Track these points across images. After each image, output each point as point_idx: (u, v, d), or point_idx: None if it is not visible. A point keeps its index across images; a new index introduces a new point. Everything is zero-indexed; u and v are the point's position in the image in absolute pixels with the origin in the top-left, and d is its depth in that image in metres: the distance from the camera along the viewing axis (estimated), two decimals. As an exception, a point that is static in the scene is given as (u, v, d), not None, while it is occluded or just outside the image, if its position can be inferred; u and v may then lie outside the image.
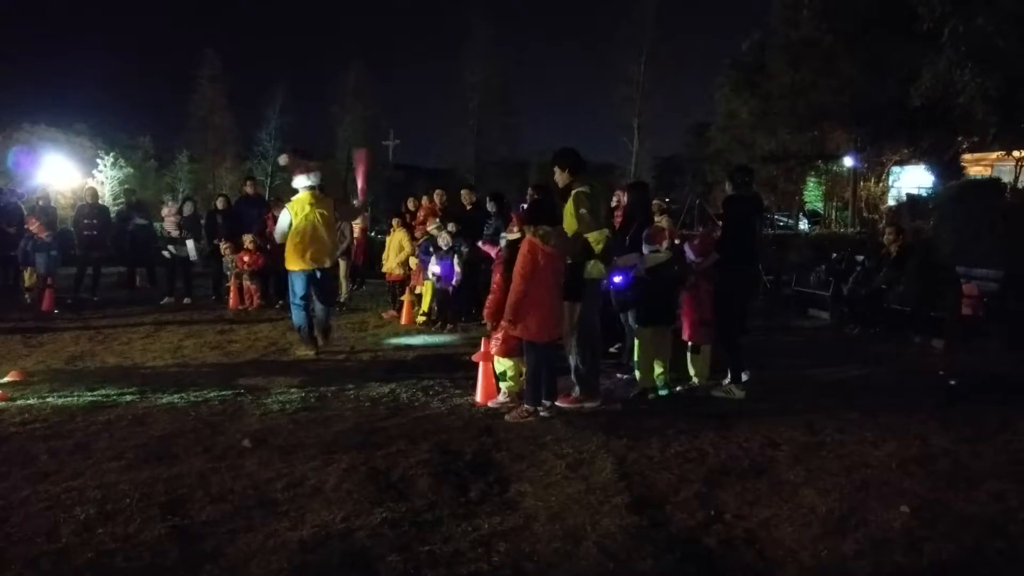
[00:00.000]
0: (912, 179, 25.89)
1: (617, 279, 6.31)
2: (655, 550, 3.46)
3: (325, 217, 8.21)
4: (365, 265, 14.58)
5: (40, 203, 13.31)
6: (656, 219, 7.25)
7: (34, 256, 12.31)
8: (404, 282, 11.18)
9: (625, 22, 39.73)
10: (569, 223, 6.16)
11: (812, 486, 4.27)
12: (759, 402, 6.14)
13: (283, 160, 9.28)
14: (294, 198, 8.35)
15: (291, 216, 8.11)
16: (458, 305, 10.22)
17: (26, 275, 12.83)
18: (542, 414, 5.60)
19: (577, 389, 5.97)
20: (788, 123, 25.93)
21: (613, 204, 7.97)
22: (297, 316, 8.26)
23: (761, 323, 10.27)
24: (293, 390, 6.39)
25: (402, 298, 11.00)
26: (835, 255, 13.03)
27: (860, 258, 11.81)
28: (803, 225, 31.28)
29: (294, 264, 8.13)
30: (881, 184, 26.87)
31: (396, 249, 11.30)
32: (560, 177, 6.12)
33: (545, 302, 5.56)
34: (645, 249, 6.37)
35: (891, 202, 25.08)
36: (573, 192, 6.00)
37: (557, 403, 5.87)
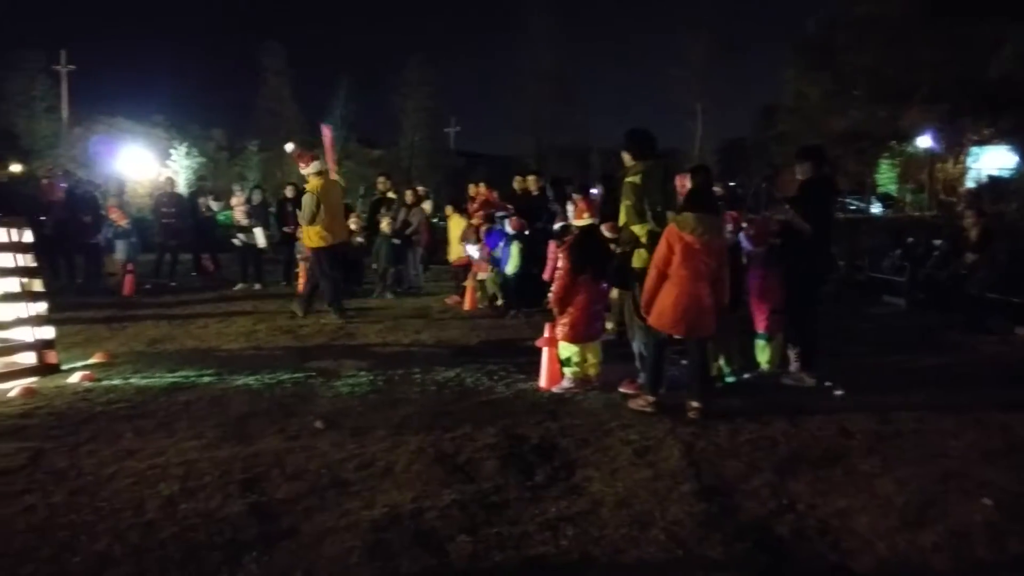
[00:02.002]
0: (993, 160, 24.87)
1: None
2: (725, 538, 3.43)
3: (339, 196, 9.71)
4: (428, 250, 14.73)
5: (124, 191, 13.84)
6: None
7: (114, 243, 12.81)
8: (469, 267, 11.24)
9: (687, 2, 39.00)
10: (621, 210, 6.11)
11: (888, 476, 4.17)
12: (831, 390, 6.00)
13: (289, 147, 10.57)
14: (311, 184, 9.32)
15: (318, 198, 9.07)
16: (520, 291, 10.24)
17: (108, 261, 13.34)
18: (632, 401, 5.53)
19: (642, 376, 5.93)
20: (860, 102, 25.14)
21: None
22: (330, 291, 9.39)
23: (834, 309, 10.02)
24: (362, 373, 6.52)
25: (464, 283, 11.08)
26: (911, 239, 12.63)
27: (937, 242, 11.43)
28: (875, 208, 30.38)
29: (321, 241, 9.16)
30: (959, 165, 25.88)
31: (460, 237, 11.39)
32: (625, 158, 6.07)
33: (681, 292, 5.28)
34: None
35: (970, 184, 24.15)
36: (625, 181, 5.93)
37: (621, 389, 5.86)
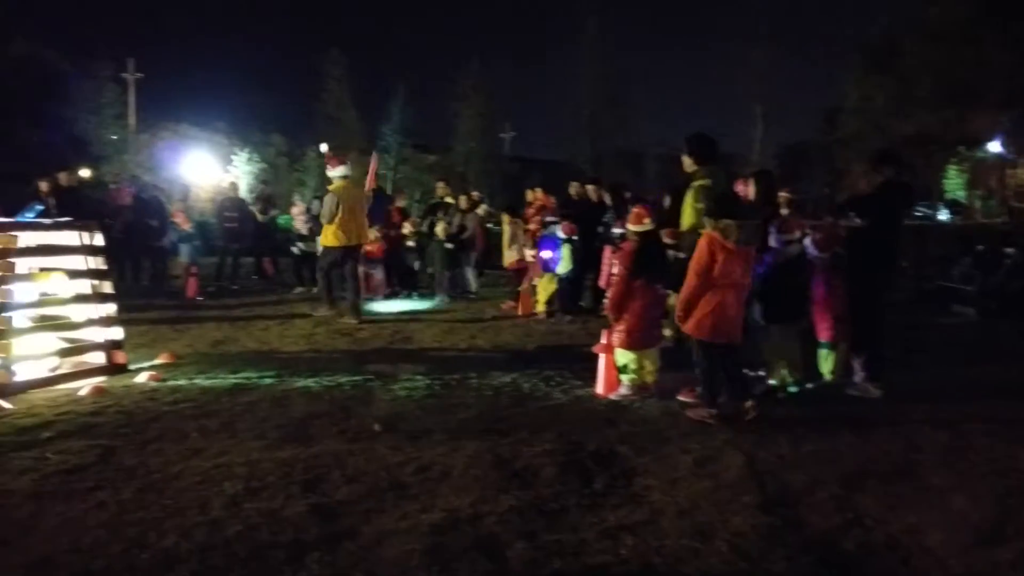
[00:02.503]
0: (1068, 165, 23.98)
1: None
2: (789, 552, 3.36)
3: (360, 201, 10.00)
4: (482, 256, 14.78)
5: (189, 196, 14.23)
6: (782, 212, 6.98)
7: (179, 246, 13.18)
8: (523, 272, 11.24)
9: (746, 5, 38.39)
10: (688, 214, 6.04)
11: (960, 491, 4.03)
12: (899, 402, 5.83)
13: (323, 147, 11.55)
14: (333, 185, 9.81)
15: (338, 199, 9.52)
16: (572, 295, 10.24)
17: (172, 264, 13.71)
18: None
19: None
20: (927, 105, 24.48)
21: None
22: (323, 287, 10.04)
23: (901, 318, 9.74)
24: (418, 377, 6.56)
25: (519, 288, 11.08)
26: (981, 247, 12.22)
27: (1009, 250, 11.04)
28: (943, 215, 29.54)
29: (335, 240, 9.60)
30: (1031, 171, 25.03)
31: (509, 241, 11.43)
32: (686, 163, 6.01)
33: (720, 300, 5.27)
34: (775, 241, 6.14)
35: (1043, 190, 23.34)
36: (694, 184, 5.87)
37: (679, 398, 5.78)
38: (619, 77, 41.59)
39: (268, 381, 6.38)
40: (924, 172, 28.54)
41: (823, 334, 6.30)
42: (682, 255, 6.03)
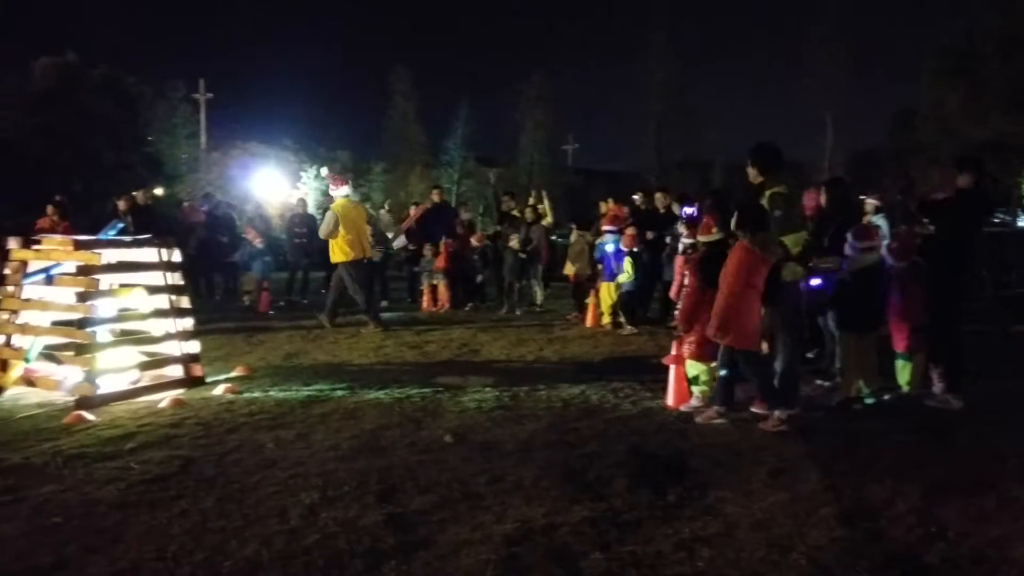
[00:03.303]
0: None
1: (816, 282, 6.01)
2: (871, 565, 3.28)
3: (361, 219, 10.49)
4: (548, 268, 14.82)
5: (259, 213, 14.60)
6: (866, 219, 6.83)
7: (250, 262, 13.53)
8: (586, 283, 11.20)
9: (815, 10, 37.59)
10: None
11: (1050, 505, 3.89)
12: (980, 413, 5.65)
13: (324, 172, 11.45)
14: (335, 204, 10.34)
15: (338, 217, 9.98)
16: (637, 305, 10.18)
17: (244, 279, 14.09)
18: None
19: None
20: (1003, 109, 23.60)
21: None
22: (363, 301, 10.22)
23: (979, 328, 9.40)
24: (487, 389, 6.60)
25: (587, 300, 11.05)
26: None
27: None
28: (1021, 221, 28.40)
29: (347, 256, 10.03)
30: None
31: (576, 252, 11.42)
32: (751, 174, 5.93)
33: (755, 309, 5.38)
34: (851, 250, 6.01)
35: None
36: (768, 192, 5.78)
37: (753, 409, 5.69)
38: (687, 87, 41.15)
39: (340, 393, 6.50)
40: (1001, 178, 27.47)
41: (900, 344, 6.14)
42: None
